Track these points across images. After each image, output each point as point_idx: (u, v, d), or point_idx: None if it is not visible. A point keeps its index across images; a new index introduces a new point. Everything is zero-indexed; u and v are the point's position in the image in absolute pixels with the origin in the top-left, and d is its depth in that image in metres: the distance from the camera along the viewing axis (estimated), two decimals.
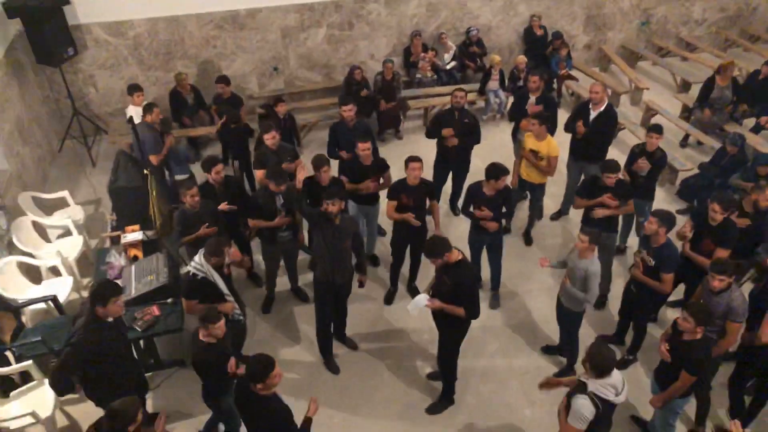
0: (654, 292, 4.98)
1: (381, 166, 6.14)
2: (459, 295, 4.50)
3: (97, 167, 8.70)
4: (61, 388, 4.23)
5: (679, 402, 4.31)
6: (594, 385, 3.64)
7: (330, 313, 5.40)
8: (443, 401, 5.22)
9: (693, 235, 5.19)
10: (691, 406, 4.82)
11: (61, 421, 5.18)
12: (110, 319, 4.20)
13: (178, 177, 7.41)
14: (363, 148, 5.88)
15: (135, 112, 7.24)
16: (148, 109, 6.94)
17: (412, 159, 5.61)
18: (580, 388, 3.69)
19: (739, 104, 8.35)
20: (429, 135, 6.95)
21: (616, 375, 3.70)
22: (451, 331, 4.84)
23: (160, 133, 7.04)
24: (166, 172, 7.26)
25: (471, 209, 5.66)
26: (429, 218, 5.96)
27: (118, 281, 5.49)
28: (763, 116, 8.24)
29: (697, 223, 5.18)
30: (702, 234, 5.10)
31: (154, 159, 6.73)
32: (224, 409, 4.45)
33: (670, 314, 5.86)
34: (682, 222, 5.54)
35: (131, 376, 4.45)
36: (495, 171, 5.41)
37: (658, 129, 6.04)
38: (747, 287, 5.28)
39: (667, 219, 4.74)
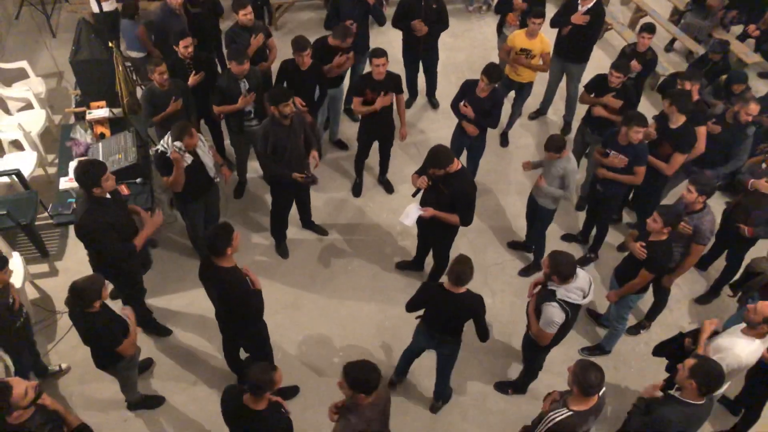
0: (621, 190, 5.19)
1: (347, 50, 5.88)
2: (458, 203, 4.48)
3: (58, 38, 8.19)
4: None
5: (633, 297, 4.54)
6: (562, 292, 3.72)
7: (288, 206, 5.37)
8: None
9: (651, 140, 5.21)
10: (644, 303, 5.10)
11: (32, 293, 5.22)
12: (108, 195, 4.12)
13: (134, 54, 6.77)
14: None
15: None
16: None
17: (376, 54, 5.28)
18: (549, 296, 3.76)
19: (729, 10, 8.15)
20: (396, 25, 6.59)
21: (582, 277, 3.77)
22: (445, 235, 4.90)
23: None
24: None
25: (460, 105, 5.47)
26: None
27: (84, 159, 5.36)
28: (751, 24, 8.10)
29: (658, 125, 5.24)
30: (661, 138, 5.16)
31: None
32: None
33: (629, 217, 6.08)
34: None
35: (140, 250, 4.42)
36: (494, 72, 5.19)
37: (650, 28, 5.95)
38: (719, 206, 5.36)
39: (642, 120, 4.81)
